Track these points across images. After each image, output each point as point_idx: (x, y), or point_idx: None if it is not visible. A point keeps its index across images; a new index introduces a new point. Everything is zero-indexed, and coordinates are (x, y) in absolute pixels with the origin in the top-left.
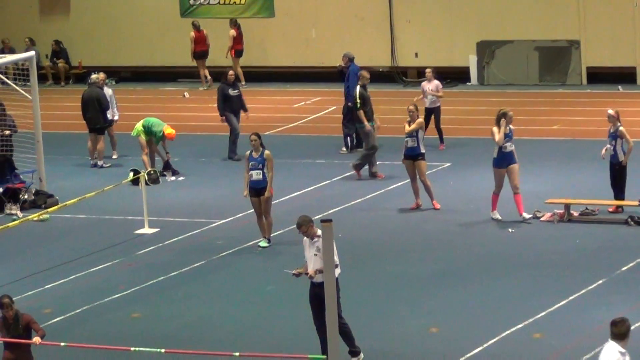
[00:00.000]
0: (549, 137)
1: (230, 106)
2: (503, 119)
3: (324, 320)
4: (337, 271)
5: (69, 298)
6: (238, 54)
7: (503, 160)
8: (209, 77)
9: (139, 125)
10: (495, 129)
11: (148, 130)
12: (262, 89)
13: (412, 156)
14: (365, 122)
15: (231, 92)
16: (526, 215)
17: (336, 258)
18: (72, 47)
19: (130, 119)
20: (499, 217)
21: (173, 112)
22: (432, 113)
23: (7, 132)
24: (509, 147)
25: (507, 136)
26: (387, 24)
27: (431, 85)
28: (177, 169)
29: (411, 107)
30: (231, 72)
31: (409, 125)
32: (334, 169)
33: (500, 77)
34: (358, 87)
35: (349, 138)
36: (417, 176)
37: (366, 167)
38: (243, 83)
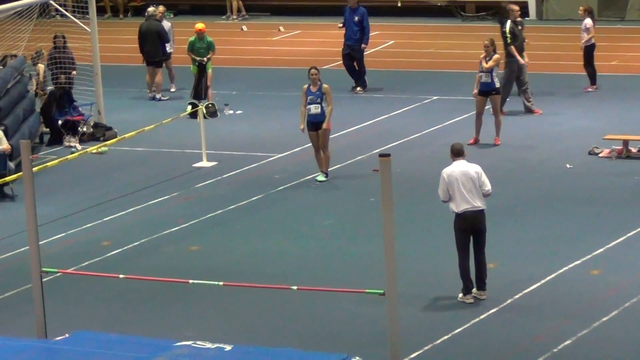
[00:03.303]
0: (608, 72)
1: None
2: None
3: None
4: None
5: (127, 231)
6: None
7: None
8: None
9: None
10: None
11: (191, 48)
12: (320, 22)
13: (487, 91)
14: (518, 57)
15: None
16: None
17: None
18: None
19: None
20: None
21: (231, 45)
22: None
23: (74, 73)
24: None
25: None
26: None
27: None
28: (227, 102)
29: (486, 42)
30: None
31: (485, 61)
32: (392, 103)
33: (559, 12)
34: (509, 22)
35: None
36: (486, 111)
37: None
38: (244, 13)
